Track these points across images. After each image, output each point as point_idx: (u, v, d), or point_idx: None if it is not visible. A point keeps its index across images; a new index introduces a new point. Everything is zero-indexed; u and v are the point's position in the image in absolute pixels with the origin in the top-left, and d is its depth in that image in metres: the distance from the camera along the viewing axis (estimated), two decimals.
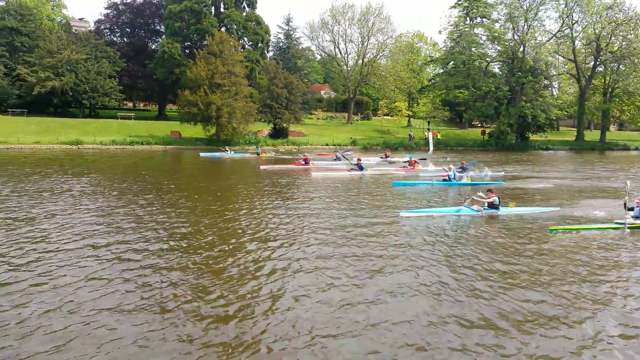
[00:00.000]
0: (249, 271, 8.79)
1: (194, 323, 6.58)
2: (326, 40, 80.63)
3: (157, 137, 48.57)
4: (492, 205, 14.50)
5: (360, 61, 78.00)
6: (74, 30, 67.62)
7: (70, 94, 55.75)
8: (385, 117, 77.02)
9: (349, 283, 8.17)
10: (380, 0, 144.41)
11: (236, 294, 7.63)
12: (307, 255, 9.85)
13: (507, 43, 61.69)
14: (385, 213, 14.57)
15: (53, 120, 53.23)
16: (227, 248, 10.38)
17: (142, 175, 23.99)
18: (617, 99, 67.92)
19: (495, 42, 62.92)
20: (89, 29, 73.53)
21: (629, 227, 12.43)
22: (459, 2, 68.62)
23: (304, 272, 8.76)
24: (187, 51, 62.15)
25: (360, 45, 77.06)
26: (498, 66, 68.18)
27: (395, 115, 74.14)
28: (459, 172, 25.33)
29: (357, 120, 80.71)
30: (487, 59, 64.29)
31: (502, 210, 14.59)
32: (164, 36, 65.62)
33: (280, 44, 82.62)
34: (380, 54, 79.10)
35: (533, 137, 62.96)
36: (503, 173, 27.27)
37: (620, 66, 64.35)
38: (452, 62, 67.50)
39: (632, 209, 12.97)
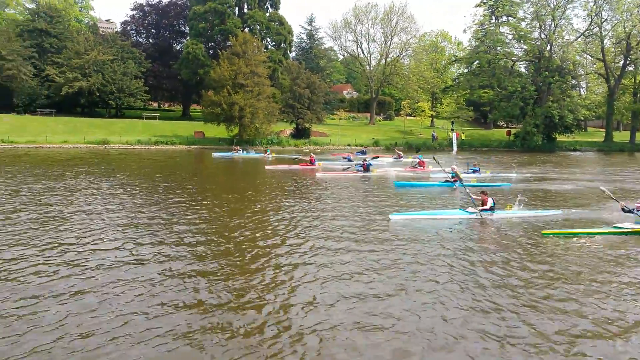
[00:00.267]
0: (265, 271, 8.78)
1: (227, 320, 6.65)
2: (349, 40, 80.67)
3: (181, 137, 49.14)
4: (487, 208, 14.10)
5: (383, 61, 77.65)
6: (100, 32, 68.85)
7: (97, 94, 56.83)
8: (407, 117, 76.51)
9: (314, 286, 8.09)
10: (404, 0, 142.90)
11: (268, 292, 7.62)
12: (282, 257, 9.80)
13: (533, 42, 60.59)
14: (373, 216, 14.16)
15: (80, 120, 54.35)
16: (231, 247, 10.40)
17: (161, 176, 24.25)
18: None
19: (522, 41, 61.84)
20: (116, 30, 74.81)
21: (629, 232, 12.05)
22: (484, 1, 67.65)
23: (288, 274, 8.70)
24: (211, 52, 62.73)
25: (383, 45, 76.77)
26: (524, 65, 67.05)
27: (418, 115, 73.56)
28: (468, 173, 25.00)
29: (379, 121, 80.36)
30: (513, 58, 63.27)
31: (498, 213, 14.17)
32: (188, 37, 66.36)
33: (303, 44, 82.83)
34: (404, 54, 78.70)
35: (560, 138, 61.73)
36: (515, 174, 26.71)
37: None
38: (476, 62, 66.66)
39: (631, 211, 12.48)
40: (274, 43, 67.09)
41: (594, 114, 70.72)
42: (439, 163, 20.27)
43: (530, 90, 58.34)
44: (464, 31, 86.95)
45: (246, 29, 62.38)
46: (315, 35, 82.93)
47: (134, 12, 69.72)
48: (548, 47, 59.23)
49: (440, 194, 19.42)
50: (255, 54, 50.16)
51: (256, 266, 9.21)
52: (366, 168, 25.49)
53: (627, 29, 60.37)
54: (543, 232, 12.13)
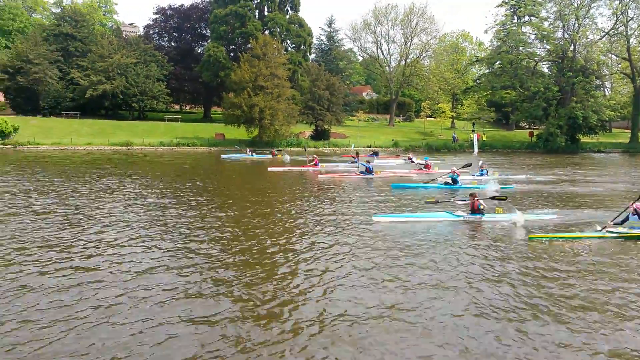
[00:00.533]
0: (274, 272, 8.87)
1: (247, 320, 6.73)
2: (368, 42, 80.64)
3: (202, 139, 49.72)
4: (476, 211, 13.75)
5: (402, 62, 77.34)
6: (124, 35, 70.22)
7: (121, 97, 57.86)
8: (428, 118, 76.03)
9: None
10: (425, 0, 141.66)
11: (289, 293, 7.72)
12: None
13: (556, 42, 59.64)
14: (359, 217, 14.00)
15: (104, 122, 55.38)
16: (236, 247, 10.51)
17: (180, 177, 24.57)
18: None
19: (544, 41, 60.91)
20: (139, 33, 76.18)
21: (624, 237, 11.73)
22: (506, 1, 66.92)
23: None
24: (231, 54, 63.34)
25: (403, 46, 76.48)
26: (547, 66, 65.99)
27: (438, 116, 73.07)
28: (477, 175, 24.70)
29: (399, 122, 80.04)
30: (536, 58, 62.35)
31: (488, 217, 13.79)
32: (209, 40, 67.14)
33: (323, 46, 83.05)
34: (424, 55, 78.25)
35: (584, 139, 60.61)
36: (526, 176, 26.28)
37: None
38: (498, 62, 65.85)
39: (626, 218, 12.10)
40: (293, 45, 67.43)
41: (619, 114, 69.21)
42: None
43: (553, 91, 57.44)
44: (485, 31, 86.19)
45: (266, 32, 62.87)
46: (335, 37, 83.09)
47: (157, 16, 70.85)
48: (571, 47, 58.25)
49: (438, 196, 18.62)
50: (275, 56, 50.54)
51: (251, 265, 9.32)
52: (369, 170, 25.28)
53: None
54: (530, 235, 11.76)
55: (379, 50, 78.87)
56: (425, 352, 6.03)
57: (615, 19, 60.80)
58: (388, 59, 78.79)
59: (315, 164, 29.05)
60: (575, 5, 58.65)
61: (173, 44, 72.11)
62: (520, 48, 61.71)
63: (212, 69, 61.64)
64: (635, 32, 61.72)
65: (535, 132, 63.36)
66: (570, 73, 56.32)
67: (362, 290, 8.03)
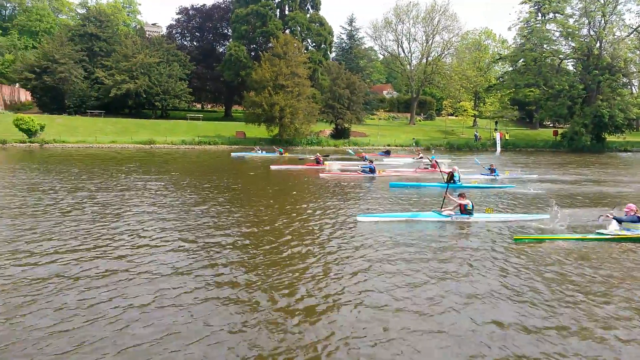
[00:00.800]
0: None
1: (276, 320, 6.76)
2: (389, 40, 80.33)
3: (223, 138, 50.12)
4: (464, 211, 13.40)
5: (424, 60, 76.78)
6: (147, 35, 71.30)
7: (144, 96, 58.71)
8: (449, 117, 75.34)
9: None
10: None
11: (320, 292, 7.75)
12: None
13: (582, 39, 58.46)
14: (342, 217, 13.77)
15: (128, 120, 56.27)
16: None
17: (200, 175, 24.79)
18: None
19: (569, 39, 59.75)
20: (161, 33, 77.21)
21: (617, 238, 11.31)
22: None
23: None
24: (252, 53, 63.73)
25: (425, 44, 75.87)
26: (572, 63, 64.76)
27: (460, 115, 72.33)
28: (487, 175, 24.38)
29: (419, 121, 79.50)
30: (560, 56, 61.24)
31: (476, 217, 13.43)
32: (231, 39, 67.69)
33: (343, 45, 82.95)
34: (446, 53, 77.56)
35: (610, 138, 59.34)
36: (537, 175, 25.83)
37: None
38: (522, 60, 64.82)
39: (620, 221, 11.62)
40: (314, 44, 67.49)
41: None
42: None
43: (578, 89, 56.40)
44: (509, 29, 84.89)
45: (287, 31, 63.07)
46: (356, 36, 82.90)
47: (179, 16, 71.69)
48: (597, 44, 57.06)
49: (435, 195, 18.11)
50: (295, 55, 50.65)
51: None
52: (371, 170, 24.99)
53: None
54: (515, 237, 11.34)
55: (400, 49, 78.48)
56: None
57: None
58: (409, 57, 78.34)
59: (319, 163, 28.66)
60: (602, 1, 57.41)
61: (195, 43, 72.86)
62: (545, 45, 60.69)
63: (234, 68, 62.10)
64: None
65: (560, 131, 62.28)
66: (596, 71, 55.18)
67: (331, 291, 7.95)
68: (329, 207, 15.41)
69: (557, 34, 61.59)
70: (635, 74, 65.78)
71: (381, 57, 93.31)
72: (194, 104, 78.93)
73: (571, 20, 60.50)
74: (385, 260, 9.58)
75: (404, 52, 78.52)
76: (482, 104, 76.00)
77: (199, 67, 66.39)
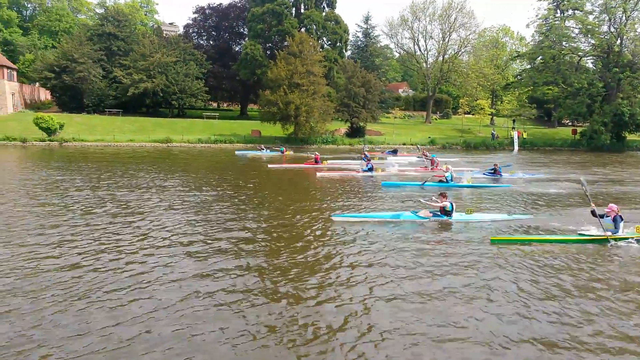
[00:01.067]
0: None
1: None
2: (405, 38, 79.50)
3: (239, 136, 50.37)
4: (443, 212, 13.18)
5: (440, 58, 76.10)
6: (164, 35, 71.78)
7: (161, 94, 59.24)
8: (466, 115, 74.64)
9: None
10: None
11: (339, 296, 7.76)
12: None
13: (602, 36, 57.42)
14: (324, 215, 13.75)
15: (145, 119, 56.86)
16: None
17: (212, 173, 24.91)
18: None
19: (589, 35, 58.73)
20: (178, 33, 77.75)
21: (608, 239, 11.06)
22: None
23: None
24: (268, 52, 63.85)
25: (441, 42, 75.18)
26: (591, 61, 63.69)
27: (476, 113, 71.58)
28: (489, 175, 24.07)
29: (435, 119, 78.90)
30: (579, 53, 60.25)
31: (456, 218, 13.19)
32: (247, 38, 67.89)
33: (359, 43, 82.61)
34: (462, 50, 76.72)
35: (630, 137, 58.26)
36: (543, 175, 25.51)
37: None
38: (540, 57, 63.90)
39: (601, 217, 11.38)
40: (329, 42, 67.38)
41: None
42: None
43: (597, 87, 55.43)
44: (527, 26, 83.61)
45: (302, 29, 63.05)
46: (371, 34, 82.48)
47: (196, 15, 72.13)
48: (618, 41, 56.03)
49: (426, 194, 17.53)
50: (311, 53, 50.64)
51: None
52: (370, 169, 24.84)
53: None
54: (492, 238, 11.14)
55: (416, 46, 77.84)
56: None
57: None
58: (425, 55, 77.68)
59: (317, 162, 28.43)
60: None
61: (211, 42, 73.23)
62: (564, 43, 59.75)
63: (249, 67, 62.32)
64: None
65: (579, 130, 61.34)
66: (617, 68, 54.20)
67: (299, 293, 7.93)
68: (306, 205, 15.40)
69: (577, 30, 60.61)
70: None
71: (397, 55, 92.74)
72: (210, 102, 79.37)
73: (591, 17, 59.48)
74: (349, 262, 9.46)
75: (420, 50, 77.98)
76: (499, 102, 75.11)
77: (215, 66, 66.75)
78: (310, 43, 51.83)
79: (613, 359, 5.93)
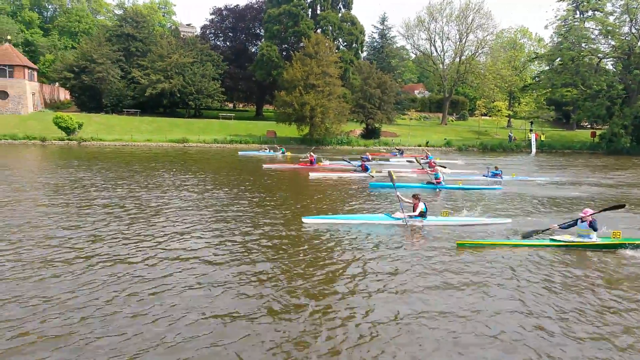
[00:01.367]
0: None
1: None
2: (422, 39, 79.31)
3: (255, 137, 50.62)
4: (417, 214, 13.03)
5: (457, 59, 75.58)
6: (182, 36, 72.45)
7: (178, 95, 59.79)
8: (482, 117, 74.03)
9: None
10: None
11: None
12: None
13: (622, 37, 56.51)
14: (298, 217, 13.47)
15: (162, 119, 57.44)
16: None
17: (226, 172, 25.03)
18: None
19: (609, 37, 57.82)
20: (196, 34, 78.41)
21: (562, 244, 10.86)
22: None
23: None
24: (284, 53, 64.06)
25: (458, 43, 74.63)
26: (611, 62, 62.71)
27: (493, 115, 70.96)
28: (487, 176, 23.85)
29: (452, 121, 78.37)
30: (599, 55, 59.38)
31: (429, 220, 13.02)
32: (263, 39, 68.21)
33: (375, 44, 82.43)
34: (480, 51, 76.08)
35: None
36: (548, 178, 25.16)
37: None
38: (559, 59, 63.14)
39: (571, 226, 11.21)
40: (345, 43, 67.37)
41: None
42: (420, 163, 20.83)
43: (617, 89, 54.60)
44: (546, 27, 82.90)
45: (318, 30, 63.13)
46: (387, 35, 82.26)
47: (213, 16, 72.67)
48: (639, 43, 55.13)
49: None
50: (327, 54, 50.70)
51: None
52: (365, 168, 24.73)
53: None
54: (458, 242, 10.94)
55: (433, 48, 77.38)
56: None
57: None
58: (442, 56, 77.21)
59: (312, 162, 28.23)
60: None
61: (228, 43, 73.69)
62: (583, 44, 58.94)
63: (265, 68, 62.59)
64: None
65: (598, 132, 60.42)
66: (638, 70, 53.28)
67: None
68: (281, 206, 15.27)
69: (596, 32, 59.75)
70: None
71: (413, 56, 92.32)
72: (226, 103, 79.89)
73: (611, 18, 58.61)
74: (315, 264, 9.35)
75: (436, 51, 77.52)
76: (516, 104, 74.37)
77: (232, 67, 67.16)
78: (326, 44, 51.89)
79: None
